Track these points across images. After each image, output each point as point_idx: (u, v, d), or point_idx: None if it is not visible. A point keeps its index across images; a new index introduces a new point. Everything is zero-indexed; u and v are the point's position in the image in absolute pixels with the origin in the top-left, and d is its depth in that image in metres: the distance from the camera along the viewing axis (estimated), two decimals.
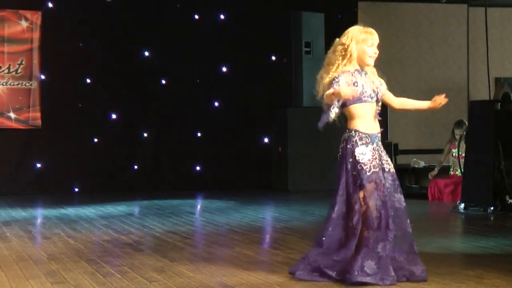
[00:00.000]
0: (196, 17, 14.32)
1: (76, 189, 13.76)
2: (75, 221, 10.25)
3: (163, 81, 14.17)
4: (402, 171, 14.70)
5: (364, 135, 5.98)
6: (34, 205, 12.23)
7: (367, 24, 6.12)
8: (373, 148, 5.97)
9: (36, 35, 13.66)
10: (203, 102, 14.33)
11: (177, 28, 14.04)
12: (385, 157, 6.06)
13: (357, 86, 5.94)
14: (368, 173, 5.88)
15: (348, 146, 5.98)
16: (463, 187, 11.11)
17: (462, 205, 10.80)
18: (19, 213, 11.04)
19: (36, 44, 13.65)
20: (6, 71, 13.46)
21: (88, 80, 13.80)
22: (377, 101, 6.11)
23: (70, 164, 13.60)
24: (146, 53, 14.02)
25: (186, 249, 7.92)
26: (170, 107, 14.12)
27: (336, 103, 5.89)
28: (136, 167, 14.08)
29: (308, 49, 13.88)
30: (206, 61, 14.21)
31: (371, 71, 6.13)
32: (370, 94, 6.02)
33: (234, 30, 14.33)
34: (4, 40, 13.45)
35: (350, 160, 5.94)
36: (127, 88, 13.92)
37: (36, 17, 13.65)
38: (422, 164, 15.12)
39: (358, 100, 5.96)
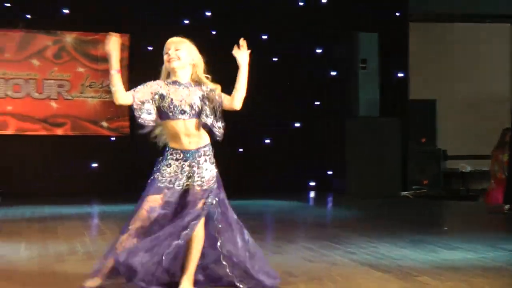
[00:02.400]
0: (264, 37, 14.37)
1: None
2: None
3: None
4: (450, 175, 14.56)
5: (175, 151, 5.36)
6: (124, 202, 12.42)
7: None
8: (182, 164, 5.27)
9: (125, 55, 13.89)
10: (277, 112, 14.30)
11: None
12: (196, 176, 5.23)
13: (160, 98, 5.31)
14: (158, 184, 5.31)
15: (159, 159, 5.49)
16: (507, 189, 10.93)
17: (507, 206, 10.59)
18: (112, 208, 11.22)
19: (125, 63, 13.89)
20: (100, 86, 13.75)
21: None
22: (196, 115, 5.23)
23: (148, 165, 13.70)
24: None
25: (257, 243, 7.95)
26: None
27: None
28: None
29: (363, 65, 13.86)
30: (272, 76, 14.24)
31: (199, 84, 5.35)
32: (182, 110, 5.20)
33: (299, 48, 14.33)
34: (98, 59, 13.72)
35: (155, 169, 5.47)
36: None
37: (125, 39, 13.89)
38: (468, 168, 14.95)
39: (166, 116, 5.26)
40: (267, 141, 14.45)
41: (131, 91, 5.37)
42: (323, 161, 14.43)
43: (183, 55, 5.29)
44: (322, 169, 14.51)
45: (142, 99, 5.33)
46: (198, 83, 5.32)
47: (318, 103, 14.69)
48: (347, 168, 13.58)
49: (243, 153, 14.33)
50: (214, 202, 5.29)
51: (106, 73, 13.93)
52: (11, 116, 13.36)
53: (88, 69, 13.73)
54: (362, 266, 6.49)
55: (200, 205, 5.14)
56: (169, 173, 5.29)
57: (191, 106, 5.18)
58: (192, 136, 5.22)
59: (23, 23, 13.41)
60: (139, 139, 13.78)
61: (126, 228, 5.21)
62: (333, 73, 14.67)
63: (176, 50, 5.29)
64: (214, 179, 5.30)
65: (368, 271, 6.26)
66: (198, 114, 5.21)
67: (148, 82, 5.40)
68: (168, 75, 5.35)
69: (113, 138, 13.84)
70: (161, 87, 5.30)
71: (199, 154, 5.25)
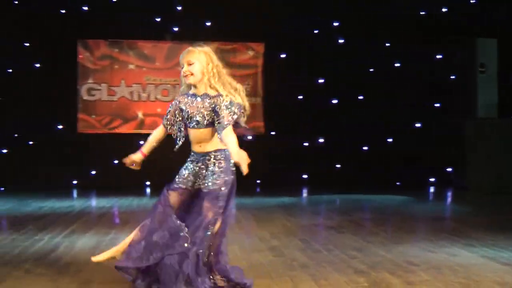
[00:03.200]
0: (387, 44, 14.18)
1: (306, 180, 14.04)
2: (290, 208, 10.47)
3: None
4: None
5: (192, 154, 5.22)
6: (261, 195, 12.57)
7: None
8: (195, 166, 5.16)
9: (260, 61, 14.09)
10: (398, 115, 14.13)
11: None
12: (203, 178, 5.09)
13: (181, 111, 5.16)
14: (174, 185, 5.16)
15: None
16: None
17: None
18: (247, 201, 11.39)
19: (259, 69, 14.09)
20: None
21: (301, 97, 14.02)
22: (208, 125, 5.06)
23: (294, 162, 13.84)
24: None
25: (380, 234, 7.90)
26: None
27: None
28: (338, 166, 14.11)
29: (482, 69, 13.44)
30: (395, 80, 14.05)
31: (209, 95, 5.08)
32: (195, 121, 5.06)
33: (420, 54, 14.06)
34: (235, 66, 13.97)
35: None
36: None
37: (260, 47, 14.08)
38: None
39: (186, 125, 5.18)
40: (390, 140, 14.24)
41: (163, 121, 5.35)
42: (443, 159, 14.10)
43: (195, 69, 5.06)
44: (442, 166, 14.19)
45: (172, 121, 5.27)
46: (216, 90, 5.12)
47: (438, 105, 14.35)
48: (467, 166, 13.19)
49: (367, 151, 14.20)
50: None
51: (243, 78, 14.27)
52: (160, 117, 13.78)
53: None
54: (481, 258, 6.32)
55: (210, 215, 4.91)
56: (184, 175, 5.18)
57: (203, 117, 5.03)
58: (203, 142, 5.11)
59: (171, 35, 13.82)
60: (274, 138, 14.09)
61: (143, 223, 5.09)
62: (453, 77, 14.28)
63: (189, 65, 5.06)
64: (223, 185, 5.07)
65: (486, 263, 6.09)
66: (212, 123, 5.06)
67: (172, 102, 5.25)
68: (189, 86, 5.14)
69: (249, 137, 14.00)
70: (179, 102, 5.15)
71: (208, 158, 5.11)
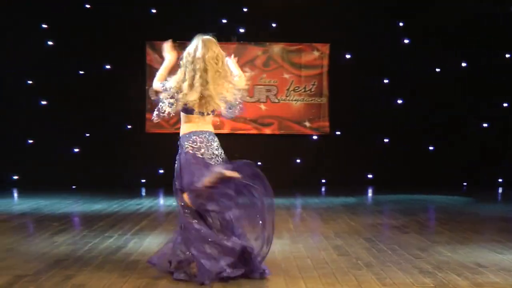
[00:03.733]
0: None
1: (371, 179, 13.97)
2: (355, 207, 10.42)
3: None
4: None
5: None
6: (325, 195, 12.54)
7: None
8: None
9: (325, 62, 14.04)
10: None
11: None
12: None
13: None
14: None
15: None
16: None
17: None
18: (313, 200, 11.37)
19: (325, 69, 14.04)
20: (303, 90, 13.97)
21: (366, 96, 13.90)
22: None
23: (359, 162, 13.78)
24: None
25: (445, 233, 7.79)
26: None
27: None
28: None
29: None
30: (462, 83, 13.81)
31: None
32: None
33: (488, 54, 13.78)
34: (301, 66, 13.98)
35: None
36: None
37: (325, 48, 14.03)
38: None
39: None
40: (455, 140, 13.98)
41: None
42: (511, 159, 13.80)
43: None
44: (511, 168, 13.87)
45: None
46: None
47: (506, 104, 14.03)
48: None
49: (433, 151, 13.99)
50: None
51: (309, 78, 14.30)
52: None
53: (293, 76, 13.99)
54: None
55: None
56: None
57: None
58: None
59: (237, 36, 13.91)
60: (338, 137, 14.06)
61: None
62: None
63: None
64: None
65: None
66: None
67: None
68: None
69: (315, 137, 14.02)
70: None
71: None
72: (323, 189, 13.39)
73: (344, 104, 13.79)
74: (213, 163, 5.49)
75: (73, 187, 13.09)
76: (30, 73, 13.36)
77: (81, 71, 13.46)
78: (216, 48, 5.61)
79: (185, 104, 5.54)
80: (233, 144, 13.86)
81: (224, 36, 13.76)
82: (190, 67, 5.52)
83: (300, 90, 13.96)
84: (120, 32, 13.41)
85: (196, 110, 5.56)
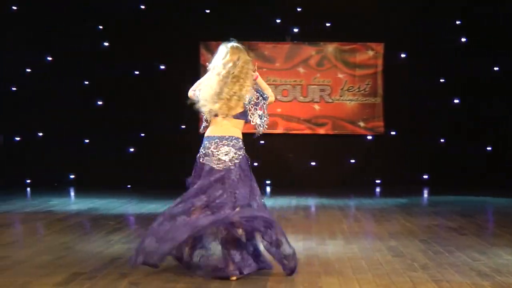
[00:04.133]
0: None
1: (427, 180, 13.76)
2: (410, 208, 10.27)
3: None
4: None
5: None
6: (380, 195, 12.42)
7: None
8: None
9: (380, 61, 13.90)
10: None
11: None
12: None
13: None
14: None
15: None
16: None
17: None
18: (367, 201, 11.27)
19: (379, 69, 13.89)
20: (357, 90, 13.85)
21: (421, 96, 13.71)
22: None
23: (414, 163, 13.60)
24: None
25: (505, 236, 7.61)
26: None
27: None
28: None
29: None
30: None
31: None
32: None
33: None
34: (355, 66, 13.87)
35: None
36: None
37: (380, 47, 13.88)
38: None
39: None
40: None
41: None
42: None
43: None
44: None
45: None
46: None
47: None
48: None
49: (491, 151, 13.71)
50: None
51: (363, 78, 14.18)
52: (280, 117, 13.88)
53: (347, 75, 13.88)
54: None
55: None
56: None
57: None
58: None
59: (291, 36, 13.87)
60: (393, 138, 13.92)
61: None
62: None
63: None
64: None
65: None
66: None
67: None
68: None
69: (369, 137, 13.89)
70: None
71: None
72: (377, 189, 13.26)
73: (398, 104, 13.63)
74: (216, 168, 5.55)
75: (128, 186, 13.24)
76: (86, 73, 13.58)
77: (136, 71, 13.61)
78: (242, 55, 5.62)
79: (211, 110, 5.58)
80: (286, 144, 13.88)
81: (278, 36, 13.84)
82: (215, 73, 5.58)
83: (354, 90, 13.86)
84: (175, 32, 13.52)
85: (219, 113, 5.61)
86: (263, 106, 5.73)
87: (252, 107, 5.69)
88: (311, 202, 11.14)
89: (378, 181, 13.76)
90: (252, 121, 5.71)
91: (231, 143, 5.62)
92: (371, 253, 6.54)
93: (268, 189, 13.21)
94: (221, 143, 5.61)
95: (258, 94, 5.74)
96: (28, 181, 13.46)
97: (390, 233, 7.76)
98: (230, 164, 5.57)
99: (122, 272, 5.62)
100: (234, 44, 5.75)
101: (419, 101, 13.63)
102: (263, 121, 5.74)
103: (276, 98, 13.81)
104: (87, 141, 13.67)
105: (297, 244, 6.95)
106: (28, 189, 12.86)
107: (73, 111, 13.50)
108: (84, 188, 12.70)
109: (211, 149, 5.61)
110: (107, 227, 8.12)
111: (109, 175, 13.34)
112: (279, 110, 13.80)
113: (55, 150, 13.45)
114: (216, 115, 5.66)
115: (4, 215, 9.22)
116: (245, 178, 5.56)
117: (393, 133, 13.79)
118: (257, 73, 5.82)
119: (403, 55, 13.81)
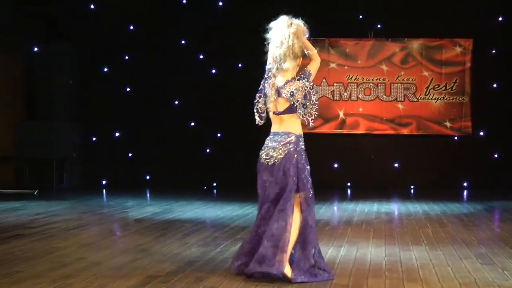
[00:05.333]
0: None
1: None
2: (501, 213, 10.00)
3: None
4: None
5: None
6: (468, 199, 12.16)
7: None
8: None
9: (468, 58, 13.60)
10: None
11: None
12: None
13: None
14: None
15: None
16: None
17: None
18: (454, 205, 11.03)
19: (467, 65, 13.59)
20: (443, 88, 13.59)
21: None
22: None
23: (504, 164, 13.26)
24: None
25: None
26: None
27: None
28: None
29: None
30: None
31: None
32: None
33: None
34: (442, 63, 13.61)
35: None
36: None
37: (468, 43, 13.59)
38: None
39: None
40: None
41: None
42: None
43: None
44: None
45: None
46: None
47: None
48: None
49: None
50: None
51: (450, 76, 13.89)
52: (361, 117, 13.75)
53: (433, 73, 13.65)
54: None
55: None
56: None
57: None
58: None
59: (374, 32, 13.72)
60: (481, 138, 13.59)
61: None
62: None
63: None
64: None
65: None
66: None
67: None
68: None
69: (456, 138, 13.61)
70: None
71: None
72: (464, 193, 12.97)
73: (488, 103, 13.32)
74: (265, 163, 5.56)
75: (205, 188, 13.38)
76: (163, 75, 13.81)
77: (213, 70, 13.76)
78: (284, 28, 5.60)
79: (265, 104, 5.59)
80: (368, 145, 13.75)
81: (360, 32, 13.71)
82: (269, 55, 5.62)
83: (440, 88, 13.61)
84: (253, 30, 13.55)
85: (271, 109, 5.56)
86: (307, 92, 5.57)
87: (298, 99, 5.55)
88: (394, 205, 10.99)
89: (465, 184, 13.45)
90: (300, 115, 5.57)
91: (280, 139, 5.57)
92: (458, 260, 6.40)
93: (348, 192, 13.11)
94: (275, 138, 5.59)
95: (302, 81, 5.58)
96: (104, 182, 13.78)
97: (479, 239, 7.58)
98: (276, 161, 5.52)
99: (198, 276, 5.66)
100: (280, 18, 5.68)
101: (510, 100, 13.28)
102: (308, 110, 5.55)
103: (358, 97, 13.87)
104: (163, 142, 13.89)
105: (380, 249, 6.88)
106: (104, 190, 13.15)
107: (151, 111, 13.76)
108: (160, 189, 12.89)
109: (265, 145, 5.62)
110: (184, 229, 8.20)
111: (185, 176, 13.51)
112: (361, 109, 13.68)
113: (131, 151, 13.76)
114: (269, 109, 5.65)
115: (81, 216, 9.45)
116: (283, 177, 5.48)
117: (481, 133, 13.47)
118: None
119: (493, 51, 13.47)
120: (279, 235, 5.35)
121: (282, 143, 5.55)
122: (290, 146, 5.54)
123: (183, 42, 13.86)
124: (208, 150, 13.84)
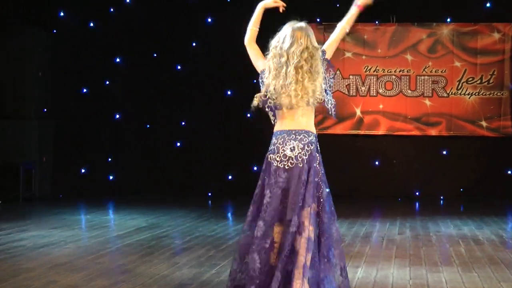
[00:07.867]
0: None
1: None
2: None
3: None
4: None
5: None
6: (507, 210, 12.19)
7: None
8: None
9: (508, 46, 13.60)
10: None
11: None
12: None
13: None
14: None
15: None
16: None
17: None
18: (490, 218, 11.05)
19: (507, 55, 13.59)
20: (479, 81, 13.60)
21: None
22: None
23: None
24: None
25: None
26: None
27: None
28: None
29: None
30: None
31: None
32: None
33: None
34: (477, 52, 13.61)
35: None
36: None
37: (508, 28, 13.59)
38: None
39: None
40: None
41: None
42: None
43: None
44: None
45: None
46: None
47: None
48: None
49: None
50: None
51: (486, 67, 13.90)
52: (382, 115, 13.75)
53: (466, 63, 13.65)
54: None
55: None
56: None
57: None
58: None
59: (396, 16, 13.73)
60: None
61: None
62: None
63: None
64: None
65: None
66: None
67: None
68: None
69: (493, 139, 13.62)
70: None
71: None
72: (504, 205, 12.98)
73: None
74: (281, 166, 5.38)
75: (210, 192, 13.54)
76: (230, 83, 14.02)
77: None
78: (306, 40, 5.52)
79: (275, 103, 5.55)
80: (390, 148, 13.75)
81: (380, 16, 13.72)
82: (277, 61, 5.49)
83: (475, 82, 13.62)
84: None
85: (283, 104, 5.53)
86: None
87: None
88: (419, 218, 10.99)
89: (504, 194, 13.46)
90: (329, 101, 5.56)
91: (299, 137, 5.52)
92: (496, 283, 6.41)
93: (366, 202, 13.12)
94: (291, 137, 5.54)
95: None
96: (79, 190, 13.82)
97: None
98: (296, 162, 5.48)
99: None
100: (301, 25, 5.66)
101: None
102: (329, 97, 5.54)
103: (378, 92, 13.89)
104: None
105: (404, 270, 6.87)
106: (79, 200, 13.16)
107: (134, 108, 13.83)
108: (146, 200, 12.91)
109: (277, 144, 5.55)
110: (173, 247, 8.20)
111: (175, 184, 13.59)
112: (381, 106, 13.70)
113: (111, 154, 13.81)
114: (278, 106, 5.59)
115: (51, 231, 9.44)
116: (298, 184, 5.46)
117: None
118: None
119: None
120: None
121: (302, 142, 5.51)
122: (312, 147, 5.51)
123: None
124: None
